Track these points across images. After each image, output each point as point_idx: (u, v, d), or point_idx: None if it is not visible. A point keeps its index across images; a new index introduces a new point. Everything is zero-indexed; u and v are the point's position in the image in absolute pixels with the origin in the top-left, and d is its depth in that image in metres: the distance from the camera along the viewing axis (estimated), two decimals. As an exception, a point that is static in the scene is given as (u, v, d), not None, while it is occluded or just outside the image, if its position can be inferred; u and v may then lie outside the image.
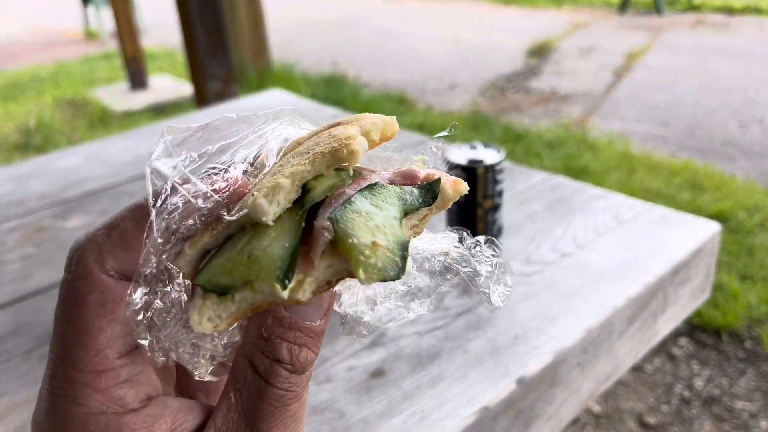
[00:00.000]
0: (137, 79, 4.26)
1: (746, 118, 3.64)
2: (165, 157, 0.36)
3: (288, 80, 4.64)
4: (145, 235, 0.33)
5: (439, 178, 0.37)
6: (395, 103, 4.23)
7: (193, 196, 0.33)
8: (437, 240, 0.39)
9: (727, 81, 4.25)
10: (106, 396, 0.31)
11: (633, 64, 4.78)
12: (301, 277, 0.32)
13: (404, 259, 0.32)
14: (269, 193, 0.32)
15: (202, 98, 2.46)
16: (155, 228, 0.33)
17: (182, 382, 0.38)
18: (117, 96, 4.20)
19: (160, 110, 4.14)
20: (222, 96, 2.44)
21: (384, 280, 0.31)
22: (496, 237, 0.75)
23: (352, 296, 0.38)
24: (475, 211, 0.77)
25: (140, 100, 4.14)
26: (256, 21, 4.60)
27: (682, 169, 2.99)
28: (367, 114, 0.37)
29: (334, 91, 4.24)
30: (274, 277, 0.31)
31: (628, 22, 6.16)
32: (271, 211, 0.32)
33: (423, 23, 6.88)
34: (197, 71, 2.38)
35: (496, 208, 0.79)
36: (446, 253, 0.39)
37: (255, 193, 0.33)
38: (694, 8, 6.32)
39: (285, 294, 0.31)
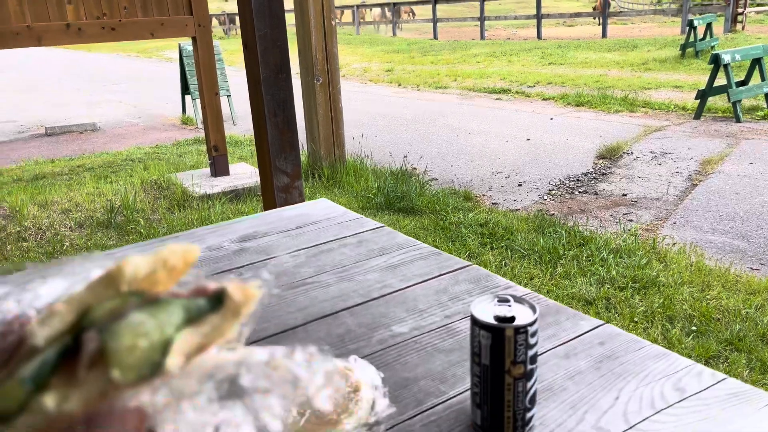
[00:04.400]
0: (218, 167, 4.56)
1: (837, 234, 3.39)
2: None
3: (358, 173, 4.81)
4: None
5: (225, 287, 0.38)
6: (461, 199, 4.27)
7: None
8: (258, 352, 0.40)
9: (815, 193, 4.01)
10: None
11: (709, 171, 4.63)
12: (65, 389, 0.33)
13: (165, 357, 0.33)
14: (44, 319, 0.34)
15: (269, 190, 2.59)
16: None
17: None
18: (197, 180, 4.49)
19: (236, 195, 4.38)
20: (287, 189, 2.57)
21: (141, 378, 0.33)
22: (528, 409, 0.67)
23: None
24: (503, 379, 0.65)
25: (218, 185, 4.41)
26: (333, 118, 4.87)
27: (765, 287, 2.78)
28: (169, 245, 0.39)
29: (401, 184, 4.34)
30: (22, 390, 0.32)
31: (704, 128, 6.03)
32: (41, 334, 0.33)
33: (495, 121, 7.04)
34: (265, 165, 2.53)
35: (528, 375, 0.66)
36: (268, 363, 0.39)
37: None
38: (777, 116, 6.12)
39: (51, 405, 0.32)
